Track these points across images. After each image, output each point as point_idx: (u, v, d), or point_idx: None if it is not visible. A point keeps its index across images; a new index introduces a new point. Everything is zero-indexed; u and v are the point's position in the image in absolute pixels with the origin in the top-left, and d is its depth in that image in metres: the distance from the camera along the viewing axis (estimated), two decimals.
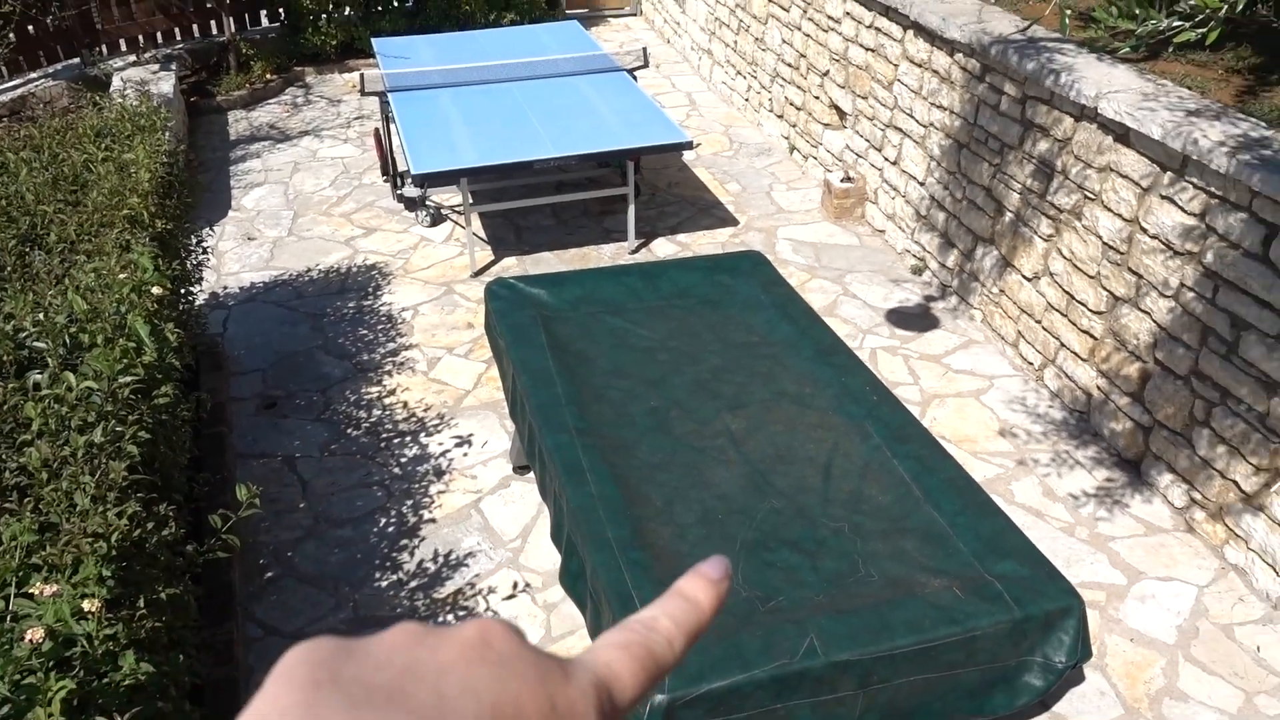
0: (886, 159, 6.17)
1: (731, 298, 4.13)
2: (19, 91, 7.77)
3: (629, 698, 0.36)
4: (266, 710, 0.31)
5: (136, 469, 2.66)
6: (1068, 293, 4.66)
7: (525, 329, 3.87)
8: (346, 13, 9.26)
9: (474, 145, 5.79)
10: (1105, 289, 4.43)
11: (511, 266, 6.03)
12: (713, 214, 6.65)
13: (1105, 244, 4.39)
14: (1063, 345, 4.75)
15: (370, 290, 5.80)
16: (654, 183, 7.01)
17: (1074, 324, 4.65)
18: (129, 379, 2.88)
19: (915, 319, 5.50)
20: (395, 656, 0.33)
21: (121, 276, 3.25)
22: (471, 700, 0.31)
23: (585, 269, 4.37)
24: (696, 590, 0.41)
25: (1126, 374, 4.36)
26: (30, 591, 2.15)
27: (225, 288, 5.85)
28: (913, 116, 5.80)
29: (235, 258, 6.18)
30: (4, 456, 2.55)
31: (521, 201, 6.24)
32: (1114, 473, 4.39)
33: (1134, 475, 4.36)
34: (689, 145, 5.93)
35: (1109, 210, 4.33)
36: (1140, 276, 4.21)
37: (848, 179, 6.48)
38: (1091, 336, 4.56)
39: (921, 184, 5.81)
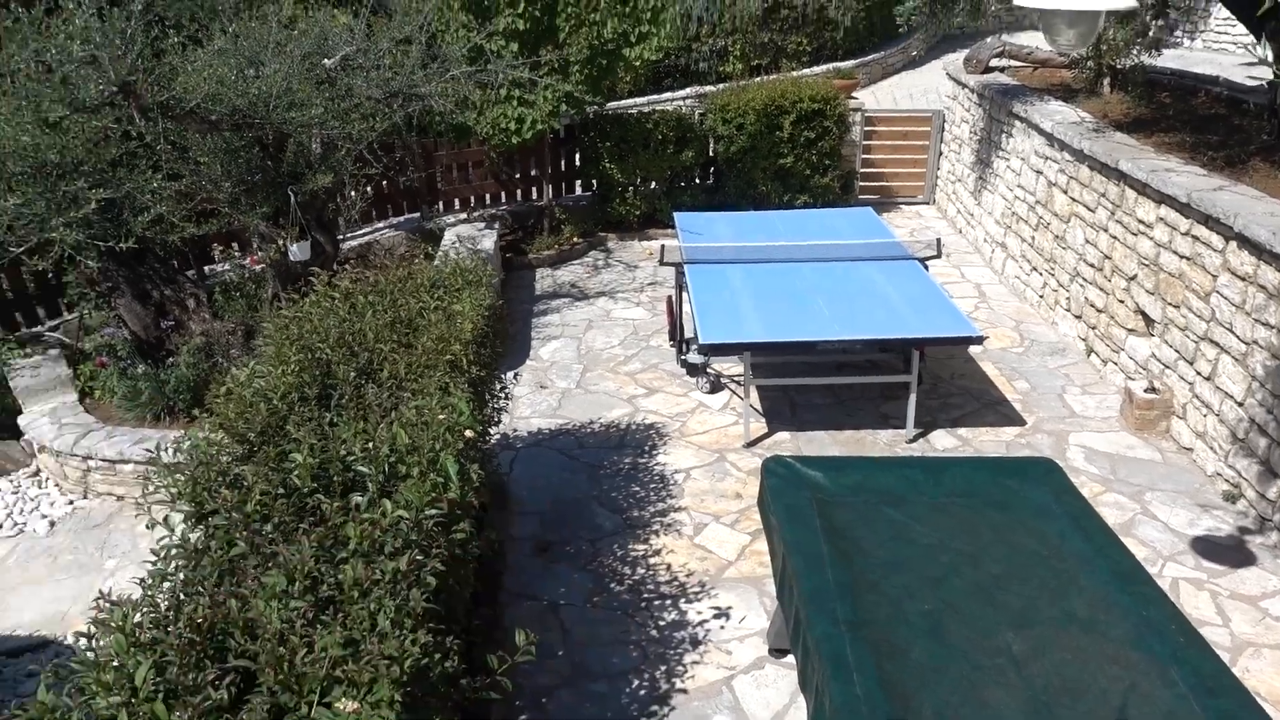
0: (1199, 373, 5.74)
1: (1021, 503, 3.92)
2: (368, 238, 8.88)
3: None
4: None
5: (430, 599, 2.83)
6: None
7: (800, 510, 3.84)
8: (652, 186, 9.95)
9: (760, 321, 5.95)
10: None
11: (784, 441, 6.05)
12: (998, 410, 6.40)
13: None
14: None
15: (647, 449, 5.99)
16: (937, 372, 6.88)
17: None
18: (434, 512, 3.10)
19: (1227, 552, 4.96)
20: None
21: (441, 417, 3.55)
22: None
23: (865, 456, 4.32)
24: None
25: None
26: (328, 702, 2.32)
27: (515, 430, 6.25)
28: (1232, 331, 5.39)
29: (527, 403, 6.61)
30: (323, 571, 2.80)
31: (801, 379, 6.29)
32: None
33: None
34: (978, 340, 5.80)
35: None
36: None
37: (1153, 389, 6.07)
38: None
39: (1240, 404, 5.34)
